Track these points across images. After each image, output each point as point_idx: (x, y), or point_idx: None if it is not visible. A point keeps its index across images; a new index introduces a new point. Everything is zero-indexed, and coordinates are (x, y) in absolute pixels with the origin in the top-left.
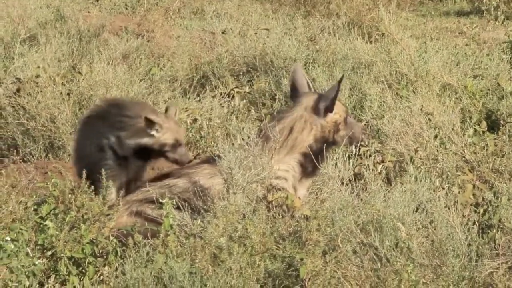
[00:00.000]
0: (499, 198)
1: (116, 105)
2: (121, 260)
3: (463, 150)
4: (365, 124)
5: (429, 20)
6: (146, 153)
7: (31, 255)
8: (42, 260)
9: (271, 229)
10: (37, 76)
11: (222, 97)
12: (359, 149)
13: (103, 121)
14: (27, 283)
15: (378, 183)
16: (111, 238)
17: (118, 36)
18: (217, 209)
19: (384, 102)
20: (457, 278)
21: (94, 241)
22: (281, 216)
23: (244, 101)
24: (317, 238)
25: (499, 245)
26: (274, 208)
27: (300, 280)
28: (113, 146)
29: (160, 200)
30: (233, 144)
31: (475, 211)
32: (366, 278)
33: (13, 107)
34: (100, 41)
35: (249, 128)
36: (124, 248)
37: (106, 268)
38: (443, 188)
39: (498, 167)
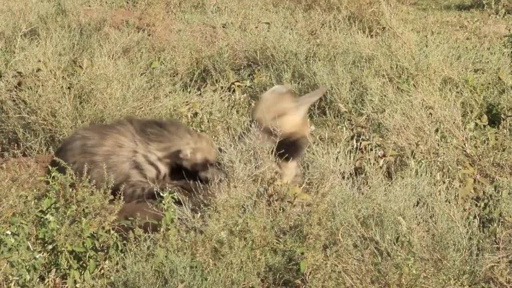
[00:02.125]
0: (500, 192)
1: (154, 123)
2: (122, 254)
3: (464, 144)
4: (365, 118)
5: (430, 14)
6: (180, 171)
7: (31, 249)
8: (42, 254)
9: (272, 223)
10: (38, 70)
11: (223, 91)
12: (360, 143)
13: (139, 137)
14: (28, 277)
15: (379, 177)
16: (112, 232)
17: (119, 30)
18: (218, 203)
19: (385, 96)
20: (457, 272)
21: (95, 235)
22: (281, 210)
23: (245, 95)
24: (318, 232)
25: (499, 239)
26: (275, 202)
27: (301, 274)
28: (154, 162)
29: (161, 194)
30: (233, 137)
31: (476, 205)
32: (367, 272)
33: (14, 101)
34: (101, 35)
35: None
36: (124, 242)
37: (106, 262)
38: (444, 182)
39: (499, 161)
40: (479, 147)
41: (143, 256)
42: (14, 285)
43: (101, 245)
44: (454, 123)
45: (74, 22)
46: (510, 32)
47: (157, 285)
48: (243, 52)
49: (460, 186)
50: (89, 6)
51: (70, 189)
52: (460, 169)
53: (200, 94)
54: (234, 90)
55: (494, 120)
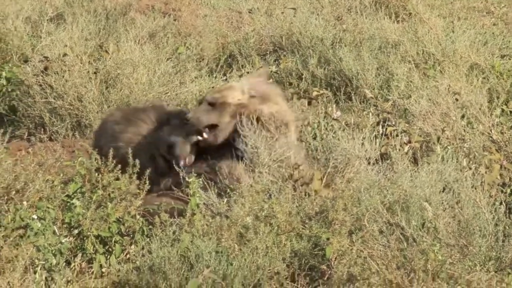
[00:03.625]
0: None
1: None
2: (148, 239)
3: (490, 130)
4: (391, 104)
5: None
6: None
7: (58, 234)
8: (69, 238)
9: (297, 209)
10: (64, 55)
11: None
12: (386, 129)
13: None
14: (54, 261)
15: (404, 163)
16: (138, 217)
17: (145, 15)
18: (243, 188)
19: (411, 81)
20: (483, 258)
21: (121, 219)
22: (307, 195)
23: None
24: (344, 218)
25: None
26: (300, 187)
27: (326, 260)
28: (163, 153)
29: (187, 179)
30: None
31: (502, 191)
32: (393, 257)
33: (41, 85)
34: (127, 20)
35: None
36: (150, 227)
37: (132, 247)
38: (470, 168)
39: None
40: (505, 133)
41: (168, 241)
42: (40, 269)
43: (127, 230)
44: (480, 109)
45: (100, 6)
46: None
47: (183, 270)
48: (269, 38)
49: (486, 172)
50: None
51: (96, 174)
52: (486, 155)
53: (226, 79)
54: None
55: None
